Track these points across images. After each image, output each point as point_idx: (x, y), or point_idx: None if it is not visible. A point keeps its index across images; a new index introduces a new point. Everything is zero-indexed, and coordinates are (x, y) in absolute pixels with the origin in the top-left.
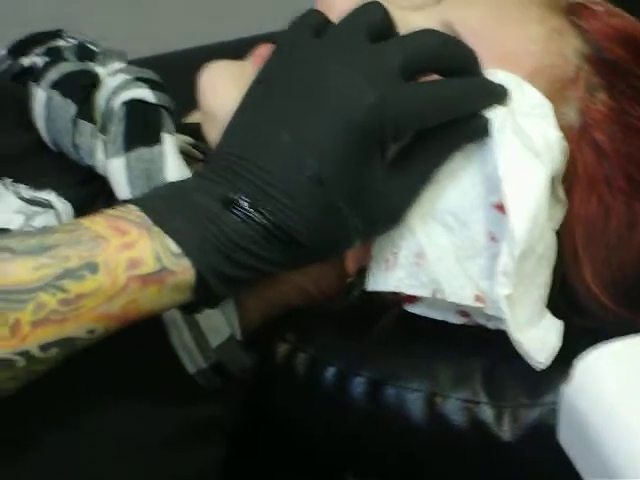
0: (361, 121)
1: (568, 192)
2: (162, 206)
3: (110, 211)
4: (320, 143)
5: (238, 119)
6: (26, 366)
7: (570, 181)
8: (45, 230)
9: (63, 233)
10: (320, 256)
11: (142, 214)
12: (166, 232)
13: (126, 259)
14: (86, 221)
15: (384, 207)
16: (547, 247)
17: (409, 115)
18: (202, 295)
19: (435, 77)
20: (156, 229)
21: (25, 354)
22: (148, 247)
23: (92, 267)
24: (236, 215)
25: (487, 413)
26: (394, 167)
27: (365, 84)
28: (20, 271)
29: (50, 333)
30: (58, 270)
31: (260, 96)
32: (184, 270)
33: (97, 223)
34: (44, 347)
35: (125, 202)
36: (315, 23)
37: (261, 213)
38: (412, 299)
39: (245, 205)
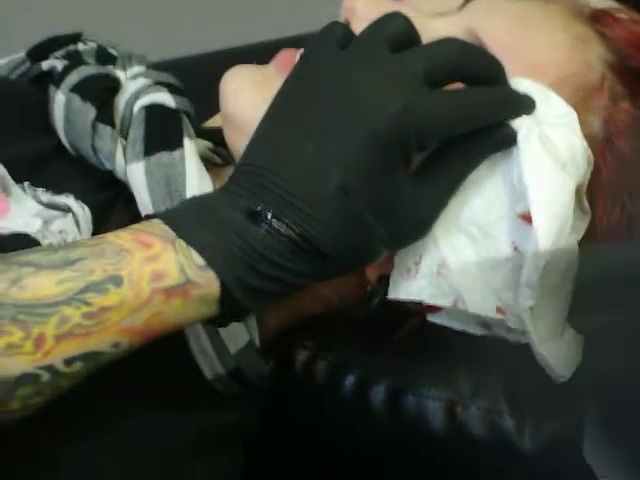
0: (386, 130)
1: (591, 202)
2: (186, 219)
3: (134, 225)
4: (345, 153)
5: (262, 131)
6: (51, 381)
7: (593, 191)
8: (69, 244)
9: (87, 247)
10: (347, 267)
11: (166, 227)
12: (190, 245)
13: (150, 272)
14: (110, 235)
15: (410, 217)
16: (571, 260)
17: (434, 123)
18: (228, 308)
19: (459, 86)
20: (180, 242)
21: (49, 368)
22: (172, 260)
23: (116, 280)
24: (261, 227)
25: (508, 423)
26: (419, 177)
27: (389, 93)
28: (43, 285)
29: (74, 347)
30: (82, 283)
31: (284, 107)
32: (209, 282)
33: (121, 237)
34: (68, 361)
35: (149, 216)
36: (339, 35)
37: (286, 224)
38: (433, 309)
39: (269, 217)
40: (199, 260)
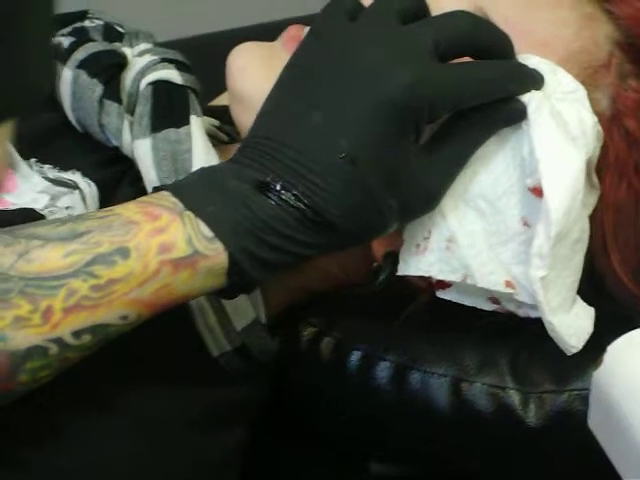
0: (395, 101)
1: (598, 178)
2: (194, 191)
3: (143, 197)
4: (353, 123)
5: (270, 103)
6: (59, 353)
7: (600, 167)
8: (77, 217)
9: (94, 219)
10: (356, 239)
11: (174, 199)
12: (198, 216)
13: (157, 244)
14: (118, 207)
15: (419, 190)
16: (582, 232)
17: (443, 95)
18: (236, 279)
19: (468, 60)
20: (188, 213)
21: (58, 341)
22: (180, 231)
23: (123, 252)
24: (269, 198)
25: (513, 399)
26: (428, 149)
27: (399, 64)
28: (51, 258)
29: (82, 319)
30: (89, 256)
31: (293, 79)
32: (217, 254)
33: (129, 209)
34: (76, 334)
35: (157, 188)
36: (349, 7)
37: (295, 195)
38: (443, 285)
39: (277, 187)
40: (207, 232)
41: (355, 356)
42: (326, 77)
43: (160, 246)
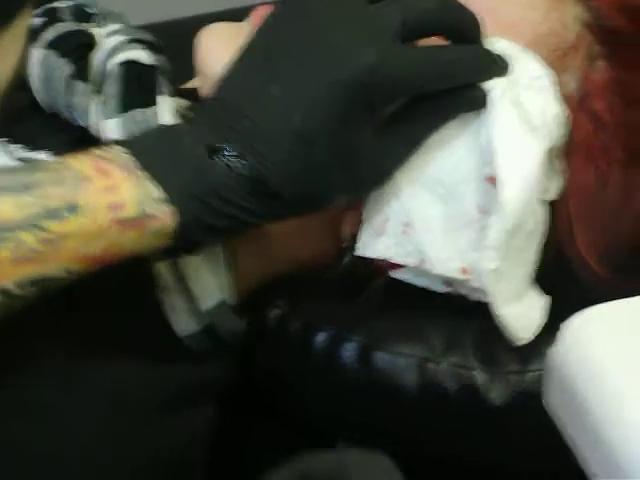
0: (353, 80)
1: (564, 161)
2: (148, 150)
3: (97, 151)
4: (308, 99)
5: (233, 70)
6: (3, 303)
7: (567, 150)
8: (31, 167)
9: (47, 171)
10: (301, 210)
11: (127, 156)
12: (150, 177)
13: (108, 202)
14: (72, 160)
15: (372, 167)
16: (537, 223)
17: (405, 77)
18: (181, 242)
19: (435, 42)
20: (140, 173)
21: (2, 291)
22: (130, 191)
23: (73, 208)
24: (220, 164)
25: (478, 378)
26: (385, 129)
27: (363, 44)
28: (2, 208)
29: (29, 272)
30: (40, 209)
31: (257, 50)
32: (165, 215)
33: (83, 162)
34: (22, 285)
35: (115, 143)
36: None
37: (242, 163)
38: (398, 266)
39: (228, 154)
40: (156, 192)
41: (321, 337)
42: (289, 52)
43: (110, 204)
